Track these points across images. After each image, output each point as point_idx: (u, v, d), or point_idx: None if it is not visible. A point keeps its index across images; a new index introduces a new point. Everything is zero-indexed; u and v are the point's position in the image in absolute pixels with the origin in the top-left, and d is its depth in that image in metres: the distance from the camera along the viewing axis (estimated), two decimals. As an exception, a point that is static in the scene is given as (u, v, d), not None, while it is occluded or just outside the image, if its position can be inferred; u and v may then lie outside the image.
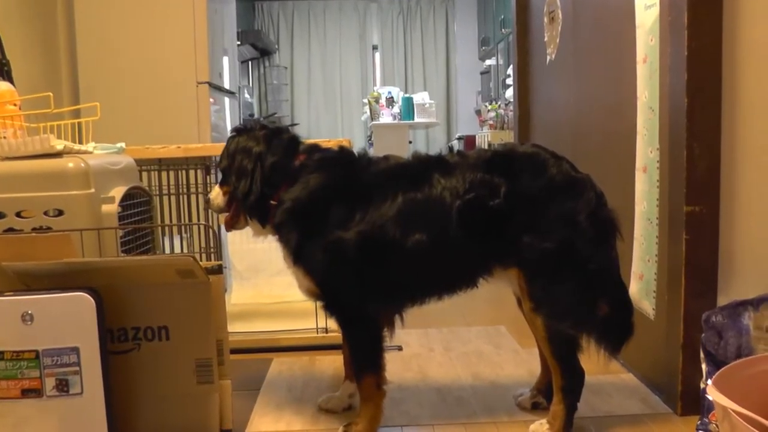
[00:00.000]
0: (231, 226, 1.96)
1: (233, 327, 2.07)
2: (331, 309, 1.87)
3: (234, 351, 2.05)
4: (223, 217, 2.01)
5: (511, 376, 2.28)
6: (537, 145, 1.89)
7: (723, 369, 1.45)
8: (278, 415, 2.06)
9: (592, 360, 1.88)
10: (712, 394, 1.25)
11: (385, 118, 7.00)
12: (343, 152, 1.94)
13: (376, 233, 1.75)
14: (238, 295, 3.02)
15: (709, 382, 1.36)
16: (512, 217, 1.75)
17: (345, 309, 1.86)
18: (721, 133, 1.87)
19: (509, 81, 4.85)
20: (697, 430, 1.85)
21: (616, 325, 1.87)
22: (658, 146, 2.00)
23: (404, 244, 1.75)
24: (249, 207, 1.88)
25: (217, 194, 1.97)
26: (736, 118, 1.86)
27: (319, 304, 1.92)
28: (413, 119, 6.94)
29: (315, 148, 1.94)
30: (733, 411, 1.19)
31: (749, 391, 1.33)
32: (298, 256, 1.82)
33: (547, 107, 3.54)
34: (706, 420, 1.84)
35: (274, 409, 2.10)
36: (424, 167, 1.83)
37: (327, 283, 1.83)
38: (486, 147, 2.03)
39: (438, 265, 1.81)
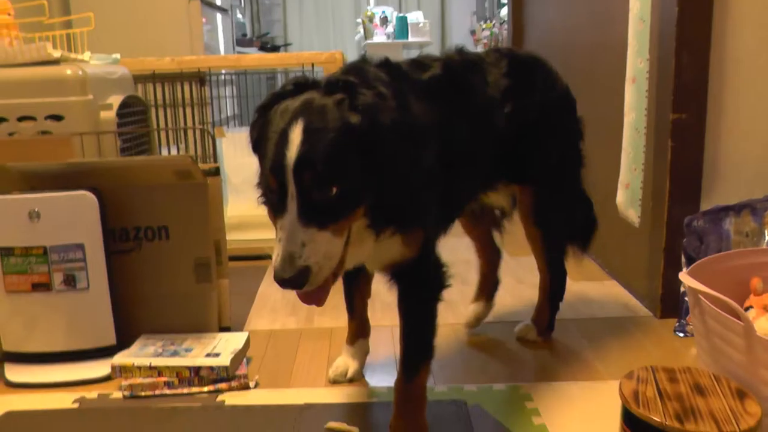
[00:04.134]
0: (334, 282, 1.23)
1: (230, 236, 2.13)
2: (425, 269, 1.40)
3: (231, 258, 2.12)
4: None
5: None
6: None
7: (698, 262, 1.53)
8: (274, 316, 2.15)
9: (575, 266, 1.97)
10: (684, 280, 1.33)
11: (379, 37, 6.93)
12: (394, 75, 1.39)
13: (455, 153, 1.44)
14: (234, 208, 3.08)
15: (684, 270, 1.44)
16: (530, 131, 1.68)
17: (436, 262, 1.44)
18: (711, 43, 1.90)
19: (504, 0, 4.81)
20: (675, 331, 1.95)
21: (583, 223, 1.95)
22: (647, 57, 2.03)
23: (467, 160, 1.52)
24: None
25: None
26: (726, 27, 1.89)
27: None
28: (407, 39, 6.88)
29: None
30: (702, 294, 1.27)
31: (722, 284, 1.41)
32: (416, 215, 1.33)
33: (540, 24, 3.54)
34: (684, 321, 1.93)
35: (269, 311, 2.20)
36: (462, 74, 1.58)
37: (431, 233, 1.42)
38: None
39: (477, 182, 1.66)
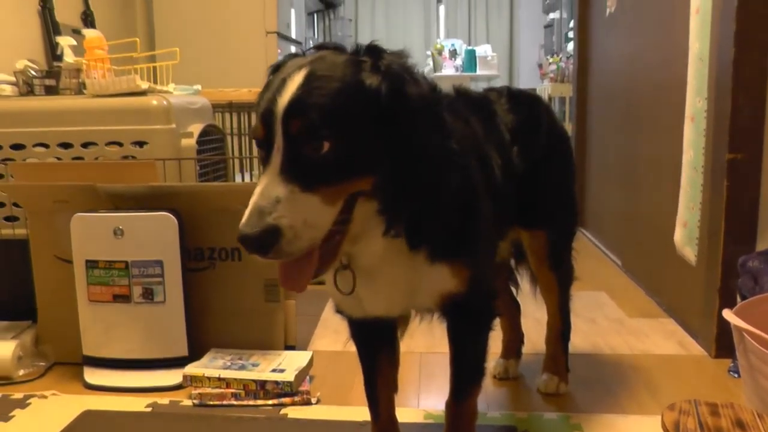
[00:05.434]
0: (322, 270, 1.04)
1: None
2: (477, 302, 1.28)
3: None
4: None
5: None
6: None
7: (747, 300, 1.56)
8: (336, 338, 2.24)
9: (631, 303, 1.95)
10: (728, 317, 1.36)
11: (448, 70, 7.03)
12: None
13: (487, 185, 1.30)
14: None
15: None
16: (539, 170, 1.60)
17: (489, 292, 1.34)
18: (767, 83, 1.92)
19: (571, 34, 4.85)
20: (729, 371, 1.94)
21: None
22: (706, 96, 2.06)
23: (496, 196, 1.34)
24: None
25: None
26: (783, 69, 1.91)
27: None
28: (476, 71, 6.96)
29: None
30: (746, 332, 1.30)
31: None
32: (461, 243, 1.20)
33: (604, 59, 3.58)
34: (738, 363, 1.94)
35: (332, 333, 2.29)
36: (482, 103, 1.53)
37: (481, 261, 1.28)
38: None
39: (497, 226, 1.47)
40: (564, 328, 1.83)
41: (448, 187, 1.10)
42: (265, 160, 0.97)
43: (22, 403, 1.82)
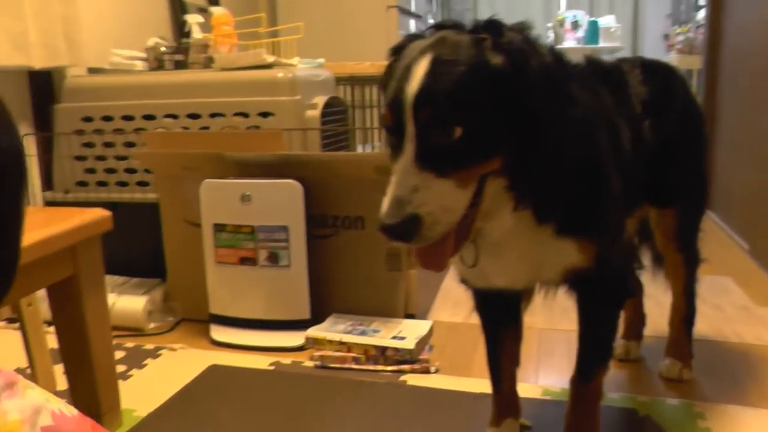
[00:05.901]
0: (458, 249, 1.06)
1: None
2: (607, 276, 1.24)
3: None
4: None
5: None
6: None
7: None
8: (456, 310, 2.25)
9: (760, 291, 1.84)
10: None
11: (569, 42, 6.81)
12: None
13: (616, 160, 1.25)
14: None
15: None
16: (671, 145, 1.54)
17: (621, 267, 1.32)
18: None
19: (702, 2, 4.59)
20: None
21: None
22: None
23: (625, 172, 1.28)
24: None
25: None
26: None
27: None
28: (598, 44, 6.72)
29: None
30: None
31: None
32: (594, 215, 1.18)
33: (739, 29, 3.37)
34: None
35: (452, 305, 2.30)
36: (613, 74, 1.47)
37: (609, 238, 1.24)
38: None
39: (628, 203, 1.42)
40: (689, 312, 1.76)
41: (576, 160, 1.08)
42: (396, 149, 0.98)
43: (154, 354, 1.96)
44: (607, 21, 6.88)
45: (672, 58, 5.08)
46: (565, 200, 1.11)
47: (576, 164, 1.08)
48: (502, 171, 1.01)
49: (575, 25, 6.85)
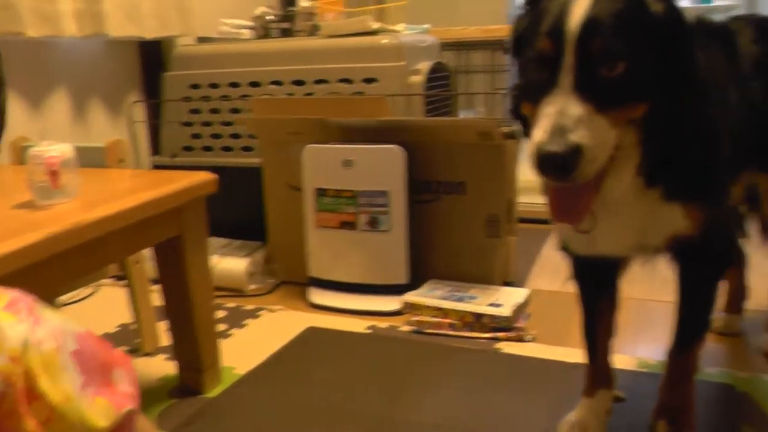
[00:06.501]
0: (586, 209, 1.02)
1: (520, 198, 2.22)
2: (710, 245, 1.19)
3: (519, 220, 2.21)
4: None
5: None
6: None
7: None
8: (554, 278, 2.20)
9: None
10: None
11: (682, 1, 6.47)
12: None
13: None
14: (526, 171, 3.16)
15: None
16: None
17: (725, 235, 1.28)
18: None
19: None
20: None
21: None
22: None
23: (734, 135, 1.24)
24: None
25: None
26: None
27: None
28: (711, 2, 6.32)
29: None
30: None
31: None
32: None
33: None
34: None
35: (551, 273, 2.25)
36: (722, 33, 1.41)
37: (717, 204, 1.19)
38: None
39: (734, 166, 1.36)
40: None
41: (695, 121, 1.04)
42: (545, 83, 0.93)
43: (254, 314, 2.01)
44: (723, -21, 6.45)
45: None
46: (676, 164, 1.06)
47: (693, 125, 1.04)
48: (640, 121, 0.97)
49: (692, -14, 6.45)
